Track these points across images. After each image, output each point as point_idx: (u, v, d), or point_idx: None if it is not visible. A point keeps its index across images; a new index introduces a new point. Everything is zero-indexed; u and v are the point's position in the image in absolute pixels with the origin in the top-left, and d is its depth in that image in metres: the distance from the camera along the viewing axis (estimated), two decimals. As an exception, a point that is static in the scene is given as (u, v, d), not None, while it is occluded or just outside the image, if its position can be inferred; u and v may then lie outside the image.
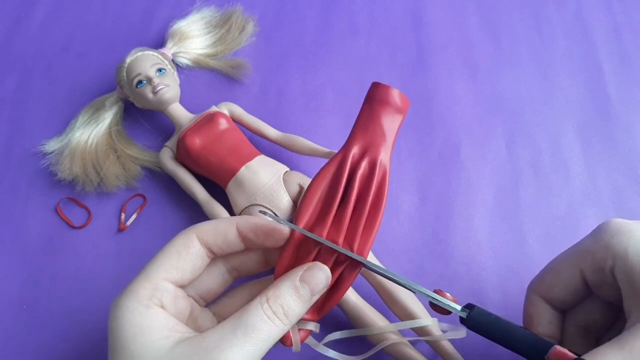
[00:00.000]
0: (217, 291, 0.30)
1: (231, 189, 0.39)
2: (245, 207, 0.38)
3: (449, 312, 0.28)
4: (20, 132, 0.45)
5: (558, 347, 0.24)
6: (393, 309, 0.35)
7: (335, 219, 0.28)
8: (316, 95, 0.46)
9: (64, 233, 0.41)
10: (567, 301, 0.30)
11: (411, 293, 0.35)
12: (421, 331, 0.34)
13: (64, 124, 0.45)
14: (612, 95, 0.46)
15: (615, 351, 0.23)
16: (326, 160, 0.40)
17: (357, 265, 0.27)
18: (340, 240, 0.28)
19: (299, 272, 0.26)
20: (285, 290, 0.26)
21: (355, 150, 0.29)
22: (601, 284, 0.28)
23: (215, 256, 0.28)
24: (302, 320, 0.28)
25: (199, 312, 0.29)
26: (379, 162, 0.29)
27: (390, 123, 0.30)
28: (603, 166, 0.43)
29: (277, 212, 0.37)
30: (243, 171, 0.38)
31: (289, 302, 0.25)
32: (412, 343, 0.35)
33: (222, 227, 0.28)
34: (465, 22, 0.50)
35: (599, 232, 0.28)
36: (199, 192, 0.40)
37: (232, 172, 0.38)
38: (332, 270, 0.27)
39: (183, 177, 0.40)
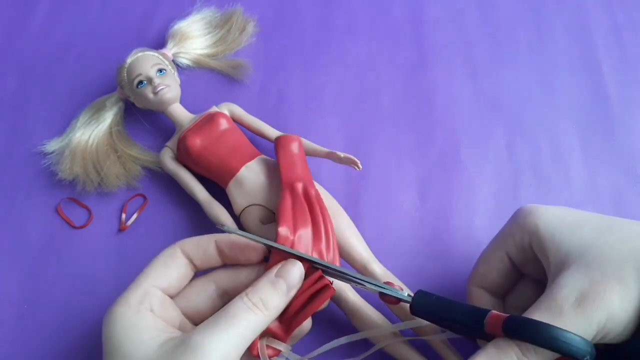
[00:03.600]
0: (206, 313, 0.31)
1: (231, 189, 0.39)
2: (245, 207, 0.38)
3: (398, 301, 0.30)
4: (20, 132, 0.45)
5: (493, 311, 0.27)
6: (391, 307, 0.35)
7: (314, 233, 0.34)
8: (316, 95, 0.46)
9: (65, 233, 0.41)
10: (502, 285, 0.33)
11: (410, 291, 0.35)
12: (421, 331, 0.34)
13: (64, 124, 0.45)
14: (611, 95, 0.46)
15: (535, 312, 0.26)
16: (326, 160, 0.40)
17: (329, 291, 0.30)
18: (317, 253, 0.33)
19: (274, 269, 0.30)
20: (262, 284, 0.28)
21: (299, 186, 0.36)
22: (525, 261, 0.31)
23: (197, 269, 0.32)
24: (272, 339, 0.30)
25: (190, 329, 0.30)
26: (309, 186, 0.36)
27: (300, 158, 0.38)
28: (603, 166, 0.43)
29: (276, 212, 0.37)
30: (243, 171, 0.38)
31: (266, 294, 0.28)
32: (412, 342, 0.35)
33: (203, 242, 0.31)
34: (465, 22, 0.50)
35: (514, 217, 0.32)
36: (200, 192, 0.40)
37: (233, 172, 0.38)
38: (305, 286, 0.30)
39: (183, 177, 0.40)
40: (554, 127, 0.44)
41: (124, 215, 0.41)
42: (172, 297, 0.31)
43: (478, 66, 0.47)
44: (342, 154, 0.39)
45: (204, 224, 0.40)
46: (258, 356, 0.29)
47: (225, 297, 0.32)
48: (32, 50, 0.50)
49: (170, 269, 0.30)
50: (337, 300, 0.35)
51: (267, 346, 0.30)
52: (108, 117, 0.44)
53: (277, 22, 0.50)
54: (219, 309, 0.31)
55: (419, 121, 0.45)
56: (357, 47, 0.49)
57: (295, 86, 0.47)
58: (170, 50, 0.46)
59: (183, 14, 0.48)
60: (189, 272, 0.31)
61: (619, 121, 0.45)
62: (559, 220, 0.29)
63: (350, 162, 0.38)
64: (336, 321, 0.37)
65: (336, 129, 0.45)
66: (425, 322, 0.33)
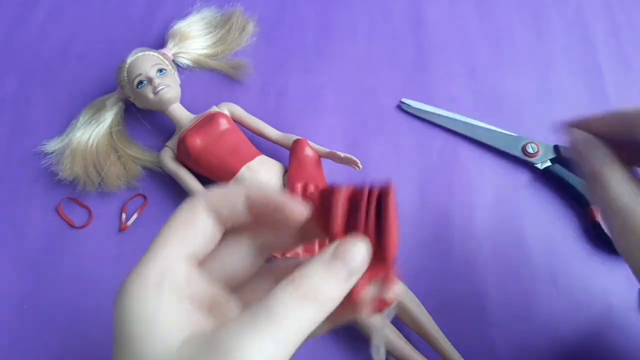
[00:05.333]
0: (245, 274, 0.25)
1: (232, 189, 0.39)
2: (246, 207, 0.38)
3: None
4: (21, 132, 0.45)
5: None
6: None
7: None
8: (316, 96, 0.46)
9: (65, 233, 0.41)
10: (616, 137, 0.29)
11: (415, 297, 0.35)
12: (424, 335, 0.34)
13: (64, 124, 0.45)
14: (610, 95, 0.46)
15: None
16: (326, 160, 0.40)
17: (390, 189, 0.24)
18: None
19: (330, 248, 0.22)
20: (314, 269, 0.21)
21: (298, 186, 0.37)
22: None
23: (225, 228, 0.24)
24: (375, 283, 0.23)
25: (226, 300, 0.24)
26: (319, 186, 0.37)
27: (312, 160, 0.39)
28: (602, 166, 0.43)
29: None
30: (243, 171, 0.38)
31: (320, 282, 0.21)
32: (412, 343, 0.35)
33: (230, 195, 0.24)
34: (464, 22, 0.50)
35: None
36: (200, 192, 0.40)
37: (233, 172, 0.39)
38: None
39: (183, 177, 0.40)
40: (553, 127, 0.44)
41: (124, 215, 0.41)
42: (201, 265, 0.24)
43: (477, 66, 0.47)
44: (342, 154, 0.39)
45: (204, 224, 0.40)
46: (358, 303, 0.22)
47: (267, 251, 0.25)
48: (33, 51, 0.50)
49: (194, 229, 0.23)
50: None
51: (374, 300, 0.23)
52: (108, 117, 0.44)
53: (277, 22, 0.50)
54: (259, 267, 0.25)
55: (419, 121, 0.45)
56: (357, 47, 0.49)
57: (295, 86, 0.47)
58: (170, 50, 0.46)
59: (183, 14, 0.48)
60: (217, 232, 0.24)
61: (618, 121, 0.45)
62: None
63: (350, 162, 0.38)
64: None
65: (336, 129, 0.45)
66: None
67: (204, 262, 0.24)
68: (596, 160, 0.28)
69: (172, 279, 0.22)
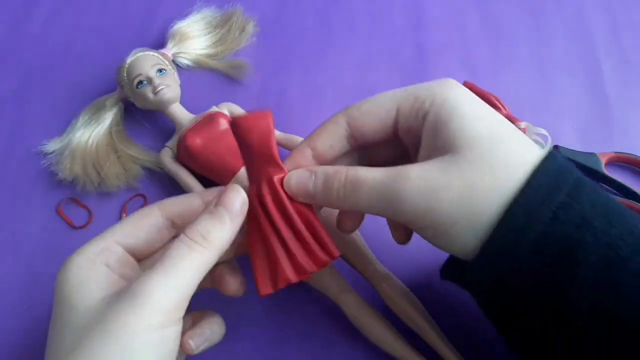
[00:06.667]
0: (154, 247, 0.29)
1: (231, 189, 0.39)
2: (246, 207, 0.38)
3: None
4: (21, 132, 0.45)
5: None
6: (393, 308, 0.35)
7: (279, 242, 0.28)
8: (316, 96, 0.46)
9: (65, 233, 0.41)
10: (368, 133, 0.28)
11: (414, 297, 0.35)
12: (417, 328, 0.34)
13: (64, 124, 0.45)
14: (611, 95, 0.46)
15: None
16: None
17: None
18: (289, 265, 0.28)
19: (214, 199, 0.27)
20: (201, 218, 0.26)
21: (253, 188, 0.29)
22: (409, 128, 0.28)
23: (181, 228, 0.28)
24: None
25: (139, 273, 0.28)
26: (275, 181, 0.28)
27: (263, 142, 0.28)
28: (602, 166, 0.43)
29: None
30: (243, 171, 0.38)
31: (206, 227, 0.25)
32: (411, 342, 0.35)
33: (186, 200, 0.29)
34: (464, 22, 0.50)
35: (433, 82, 0.28)
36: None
37: (233, 172, 0.39)
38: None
39: (183, 177, 0.40)
40: (553, 128, 0.44)
41: (123, 216, 0.41)
42: (139, 259, 0.28)
43: (477, 66, 0.47)
44: (342, 154, 0.39)
45: (204, 224, 0.40)
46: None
47: (174, 229, 0.29)
48: (33, 50, 0.50)
49: (139, 230, 0.28)
50: (339, 302, 0.35)
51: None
52: (108, 117, 0.44)
53: (277, 22, 0.50)
54: (167, 241, 0.29)
55: (419, 121, 0.45)
56: (357, 48, 0.49)
57: (295, 86, 0.47)
58: (170, 50, 0.46)
59: (183, 14, 0.48)
60: (165, 234, 0.28)
61: (618, 121, 0.45)
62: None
63: (350, 162, 0.38)
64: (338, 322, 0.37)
65: (336, 129, 0.45)
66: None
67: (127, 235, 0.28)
68: (338, 171, 0.27)
69: (107, 256, 0.26)
